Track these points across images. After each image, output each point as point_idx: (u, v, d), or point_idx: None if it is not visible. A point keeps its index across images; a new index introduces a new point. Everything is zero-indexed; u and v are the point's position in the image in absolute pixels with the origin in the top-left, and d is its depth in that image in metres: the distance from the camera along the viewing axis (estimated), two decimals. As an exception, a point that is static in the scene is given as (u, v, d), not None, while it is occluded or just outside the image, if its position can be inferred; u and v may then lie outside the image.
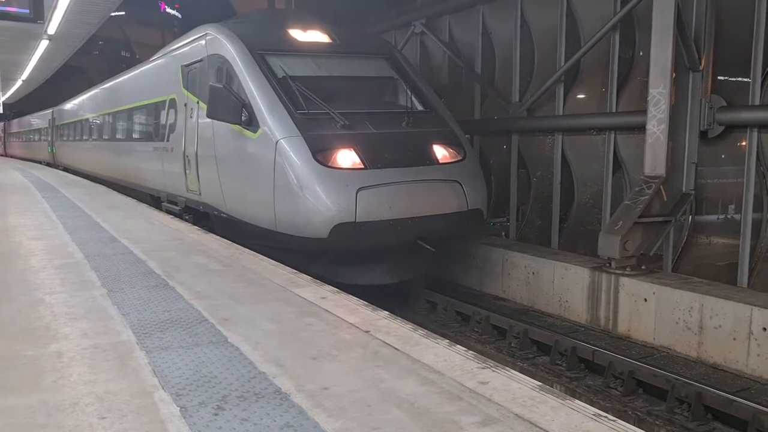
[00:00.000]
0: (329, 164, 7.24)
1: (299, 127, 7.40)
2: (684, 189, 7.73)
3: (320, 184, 7.11)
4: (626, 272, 7.30)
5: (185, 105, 9.80)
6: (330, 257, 7.56)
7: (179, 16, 23.69)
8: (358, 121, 7.68)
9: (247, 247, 6.80)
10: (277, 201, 7.36)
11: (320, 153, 7.26)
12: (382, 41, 10.24)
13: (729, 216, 7.76)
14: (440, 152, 7.93)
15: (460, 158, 8.06)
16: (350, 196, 7.06)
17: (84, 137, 19.53)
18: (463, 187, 7.76)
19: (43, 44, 15.81)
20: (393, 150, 7.58)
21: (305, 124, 7.47)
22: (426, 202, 7.47)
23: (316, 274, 5.80)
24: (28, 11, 8.92)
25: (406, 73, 8.87)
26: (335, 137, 7.45)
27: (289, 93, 7.76)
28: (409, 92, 8.38)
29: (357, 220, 7.05)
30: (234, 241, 7.20)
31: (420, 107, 8.49)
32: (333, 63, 8.61)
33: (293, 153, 7.26)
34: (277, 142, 7.36)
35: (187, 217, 9.75)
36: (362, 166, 7.32)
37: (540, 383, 3.03)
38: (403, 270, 7.96)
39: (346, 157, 7.34)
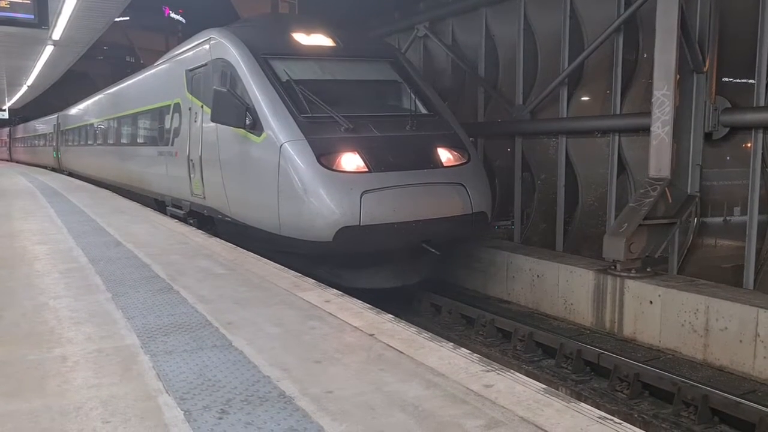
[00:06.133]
0: (333, 167, 7.24)
1: (303, 131, 7.41)
2: (689, 191, 7.71)
3: (324, 187, 7.11)
4: (631, 274, 7.28)
5: (189, 109, 9.83)
6: (334, 261, 7.56)
7: (183, 21, 23.72)
8: (361, 125, 7.69)
9: (252, 251, 6.81)
10: (282, 204, 7.36)
11: (324, 156, 7.27)
12: (385, 44, 10.24)
13: (734, 218, 7.72)
14: (444, 155, 7.92)
15: (464, 161, 8.05)
16: (354, 199, 7.06)
17: (89, 142, 19.62)
18: (467, 190, 7.75)
19: (48, 50, 15.85)
20: (397, 153, 7.58)
21: (309, 127, 7.48)
22: (430, 205, 7.46)
23: (320, 277, 5.79)
24: (33, 17, 8.99)
25: (409, 77, 8.87)
26: (339, 141, 7.45)
27: (293, 97, 7.77)
28: (412, 95, 8.37)
29: (361, 224, 7.05)
30: (238, 245, 7.20)
31: (424, 110, 8.49)
32: (336, 66, 8.62)
33: (297, 156, 7.27)
34: (281, 146, 7.36)
35: (191, 221, 9.76)
36: (366, 170, 7.32)
37: (545, 386, 3.01)
38: (407, 273, 7.95)
39: (350, 161, 7.34)
